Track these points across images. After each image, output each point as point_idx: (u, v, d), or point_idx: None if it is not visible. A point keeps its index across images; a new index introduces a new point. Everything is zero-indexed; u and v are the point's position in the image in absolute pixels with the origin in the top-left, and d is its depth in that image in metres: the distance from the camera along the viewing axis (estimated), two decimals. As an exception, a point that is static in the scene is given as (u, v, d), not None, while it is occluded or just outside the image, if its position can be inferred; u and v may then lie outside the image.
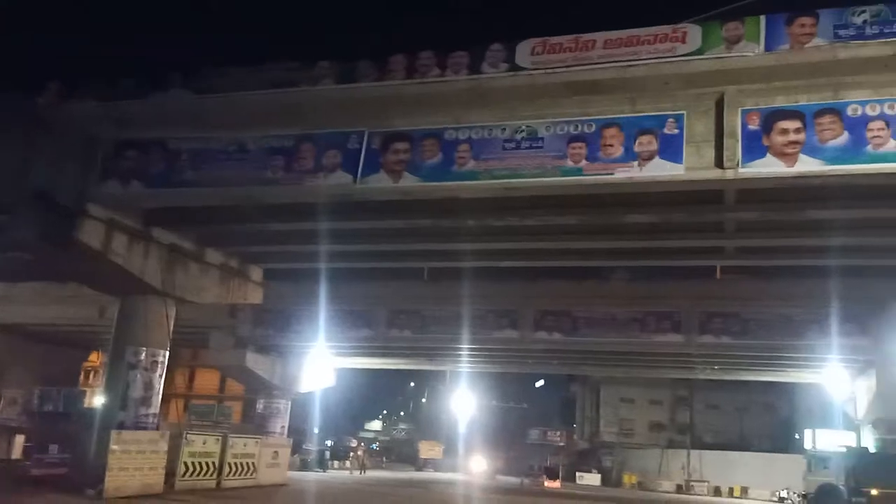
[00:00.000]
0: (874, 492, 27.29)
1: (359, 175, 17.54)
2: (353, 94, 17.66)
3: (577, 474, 50.30)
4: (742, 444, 52.98)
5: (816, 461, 32.08)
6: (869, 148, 15.17)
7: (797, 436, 43.53)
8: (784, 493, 40.32)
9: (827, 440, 39.28)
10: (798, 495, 36.30)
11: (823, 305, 27.86)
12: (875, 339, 29.17)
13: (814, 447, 39.00)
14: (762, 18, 15.52)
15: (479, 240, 23.05)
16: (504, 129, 16.90)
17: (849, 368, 35.82)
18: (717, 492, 44.92)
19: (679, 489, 47.05)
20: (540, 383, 60.21)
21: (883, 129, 15.13)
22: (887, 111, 15.18)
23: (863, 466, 29.03)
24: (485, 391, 56.37)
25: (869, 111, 15.30)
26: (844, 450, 32.21)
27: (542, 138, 16.60)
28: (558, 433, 54.42)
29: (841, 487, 28.88)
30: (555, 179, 16.58)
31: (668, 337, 31.97)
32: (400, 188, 17.57)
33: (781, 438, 49.34)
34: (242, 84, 18.65)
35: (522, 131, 16.76)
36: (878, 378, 34.29)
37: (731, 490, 44.78)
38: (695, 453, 50.09)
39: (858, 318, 28.77)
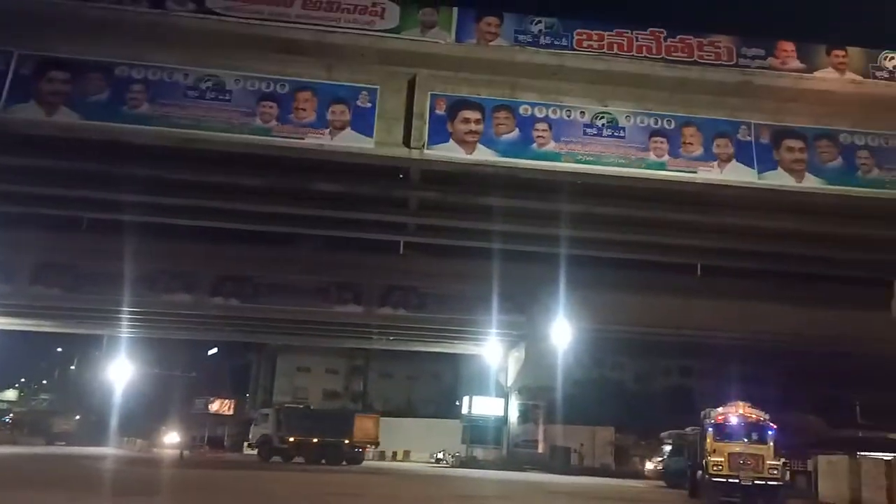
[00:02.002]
0: (292, 439, 36.35)
1: (1, 102, 15.11)
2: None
3: (245, 444, 49.98)
4: (410, 411, 57.65)
5: (261, 417, 39.83)
6: (534, 146, 17.51)
7: (458, 402, 48.45)
8: (440, 455, 44.87)
9: (481, 405, 44.49)
10: (247, 444, 42.71)
11: (489, 285, 31.26)
12: (528, 316, 33.79)
13: (469, 412, 44.04)
14: (455, 10, 16.88)
15: (152, 192, 21.49)
16: (187, 74, 15.95)
17: (504, 342, 41.13)
18: (382, 456, 48.24)
19: (346, 455, 49.49)
20: (213, 351, 58.51)
21: (546, 130, 17.57)
22: (551, 115, 17.65)
23: (286, 420, 37.70)
24: (150, 359, 53.00)
25: (537, 113, 17.64)
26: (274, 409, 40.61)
27: (230, 91, 16.04)
28: (226, 403, 53.53)
29: (273, 435, 37.16)
30: (242, 137, 16.17)
31: (349, 307, 33.30)
32: (55, 123, 15.59)
33: (445, 405, 54.62)
34: None
35: (208, 81, 16.00)
36: (527, 351, 40.05)
37: (394, 454, 48.47)
38: (366, 420, 53.15)
39: (516, 297, 32.92)
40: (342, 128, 16.56)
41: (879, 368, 39.38)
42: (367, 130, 16.66)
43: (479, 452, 42.43)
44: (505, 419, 43.47)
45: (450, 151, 17.13)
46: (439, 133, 17.06)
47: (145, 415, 51.18)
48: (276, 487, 20.90)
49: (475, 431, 43.40)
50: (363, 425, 38.73)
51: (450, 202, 21.57)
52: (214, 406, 53.34)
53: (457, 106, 17.11)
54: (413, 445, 48.71)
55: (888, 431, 35.97)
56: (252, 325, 38.88)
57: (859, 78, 17.91)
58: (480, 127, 17.20)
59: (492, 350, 42.60)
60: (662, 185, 18.43)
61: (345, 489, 21.35)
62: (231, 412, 49.44)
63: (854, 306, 29.59)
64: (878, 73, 17.96)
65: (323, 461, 35.36)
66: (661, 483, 30.42)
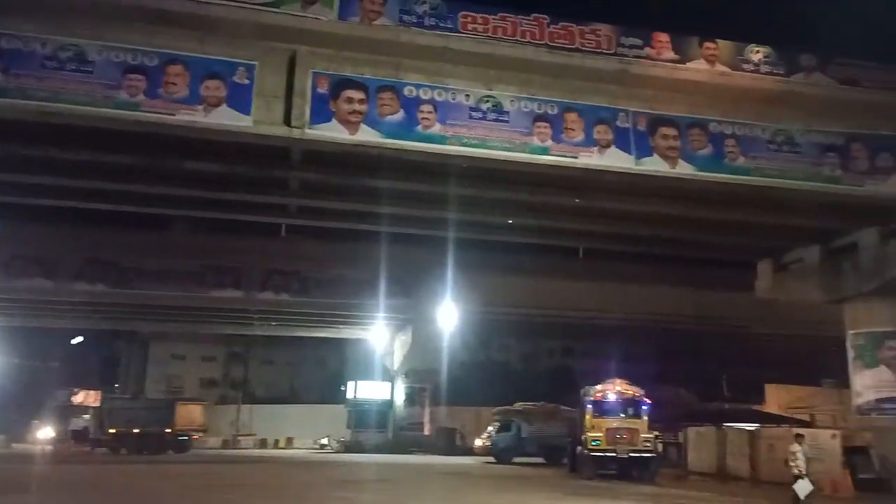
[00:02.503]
0: (112, 430, 37.17)
1: None
2: None
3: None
4: (293, 397, 56.98)
5: (81, 410, 41.31)
6: (419, 128, 17.56)
7: (343, 387, 48.39)
8: (325, 441, 44.66)
9: (367, 390, 44.62)
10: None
11: (375, 268, 31.21)
12: (415, 300, 34.11)
13: (355, 397, 44.11)
14: (338, -14, 16.58)
15: (6, 170, 19.91)
16: (45, 43, 14.86)
17: (391, 326, 41.33)
18: (263, 444, 47.47)
19: (225, 444, 48.39)
20: (78, 339, 55.32)
21: (432, 112, 17.65)
22: (437, 97, 17.73)
23: (108, 411, 38.86)
24: (5, 349, 49.45)
25: (422, 94, 17.66)
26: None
27: (92, 62, 15.07)
28: (91, 394, 50.84)
29: (92, 427, 38.44)
30: (106, 111, 15.27)
31: (227, 292, 32.46)
32: None
33: (330, 390, 54.25)
34: None
35: (68, 50, 14.96)
36: (414, 334, 40.41)
37: (276, 442, 47.82)
38: (246, 408, 52.11)
39: (403, 281, 33.14)
40: (217, 104, 15.98)
41: (744, 345, 42.68)
42: (244, 108, 16.15)
43: (364, 437, 42.57)
44: (391, 403, 43.81)
45: (332, 131, 16.90)
46: (321, 112, 16.78)
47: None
48: (153, 483, 20.17)
49: (360, 416, 43.50)
50: (186, 413, 38.91)
51: (333, 184, 21.25)
52: (78, 398, 50.60)
53: (340, 85, 16.86)
54: (296, 432, 48.31)
55: (751, 403, 38.98)
56: (121, 311, 37.16)
57: (728, 70, 19.06)
58: (364, 107, 17.05)
59: (378, 334, 42.73)
60: (546, 170, 18.93)
61: (224, 480, 20.90)
62: (98, 404, 46.95)
63: (722, 287, 31.84)
64: (744, 66, 19.17)
65: (145, 451, 35.47)
66: (490, 459, 30.99)
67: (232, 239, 30.63)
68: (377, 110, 17.16)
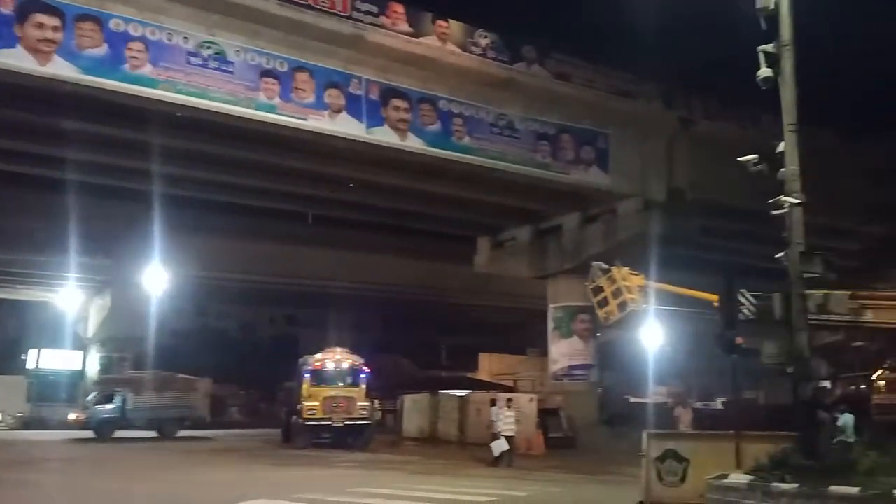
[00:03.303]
0: None
1: None
2: None
3: None
4: (-43, 367, 50.21)
5: None
6: (126, 67, 16.25)
7: (24, 356, 43.70)
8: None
9: (53, 359, 40.76)
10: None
11: (65, 222, 27.95)
12: (115, 260, 31.56)
13: (37, 367, 40.15)
14: None
15: None
16: None
17: (86, 288, 37.94)
18: None
19: None
20: None
21: (142, 51, 16.41)
22: (149, 35, 16.49)
23: None
24: None
25: (132, 30, 16.33)
26: None
27: None
28: None
29: None
30: None
31: None
32: None
33: (7, 359, 48.65)
34: None
35: None
36: (114, 298, 37.51)
37: (-72, 419, 41.87)
38: None
39: (101, 238, 30.19)
40: None
41: (463, 315, 45.89)
42: None
43: (48, 411, 38.82)
44: (82, 373, 40.52)
45: (16, 59, 15.12)
46: (4, 36, 14.90)
47: None
48: None
49: (44, 388, 39.53)
50: None
51: (13, 119, 18.70)
52: None
53: (29, 7, 15.05)
54: (-42, 407, 42.66)
55: (467, 371, 42.32)
56: None
57: (458, 50, 20.19)
58: (59, 36, 15.37)
59: (69, 297, 39.00)
60: (272, 129, 18.64)
61: None
62: None
63: (445, 260, 33.87)
64: (473, 49, 20.44)
65: None
66: (90, 434, 28.24)
67: None
68: (75, 41, 15.56)
